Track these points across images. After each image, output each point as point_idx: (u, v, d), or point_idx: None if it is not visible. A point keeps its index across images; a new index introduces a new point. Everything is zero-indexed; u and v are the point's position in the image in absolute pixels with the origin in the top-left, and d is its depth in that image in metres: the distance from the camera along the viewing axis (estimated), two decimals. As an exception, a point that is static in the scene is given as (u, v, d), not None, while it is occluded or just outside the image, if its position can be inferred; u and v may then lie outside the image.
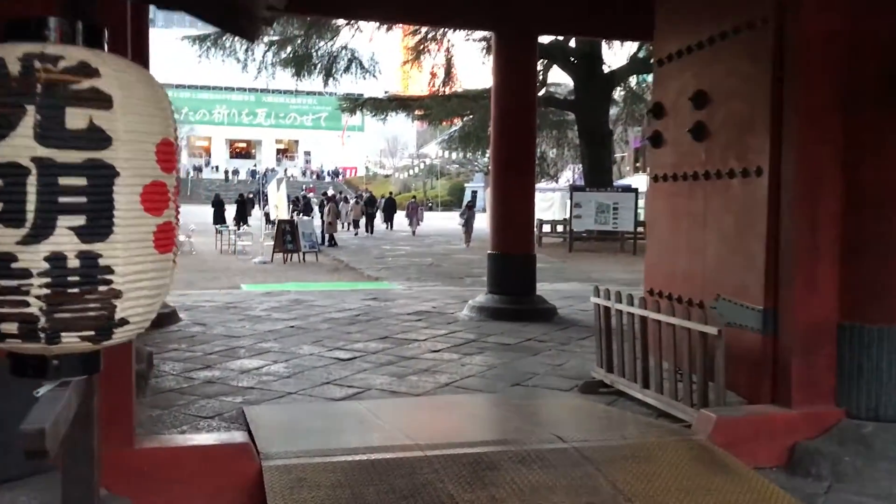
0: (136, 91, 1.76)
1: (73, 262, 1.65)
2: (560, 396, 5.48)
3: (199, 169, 78.20)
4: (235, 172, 75.59)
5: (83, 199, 1.65)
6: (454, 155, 54.39)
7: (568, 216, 24.60)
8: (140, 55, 4.28)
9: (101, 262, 1.68)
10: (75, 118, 1.64)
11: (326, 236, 24.04)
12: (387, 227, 35.02)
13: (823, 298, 4.17)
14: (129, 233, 1.73)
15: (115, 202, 1.69)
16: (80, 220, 1.65)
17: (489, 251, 9.55)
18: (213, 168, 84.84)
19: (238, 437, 3.50)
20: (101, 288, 1.69)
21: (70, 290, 1.65)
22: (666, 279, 5.47)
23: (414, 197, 35.81)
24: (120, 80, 1.71)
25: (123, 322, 1.76)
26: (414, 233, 30.31)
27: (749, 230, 4.48)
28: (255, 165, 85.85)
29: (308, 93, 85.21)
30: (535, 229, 18.71)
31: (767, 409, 4.24)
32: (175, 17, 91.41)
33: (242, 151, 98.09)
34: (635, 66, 25.00)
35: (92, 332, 1.71)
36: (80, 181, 1.65)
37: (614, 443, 3.88)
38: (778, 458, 4.12)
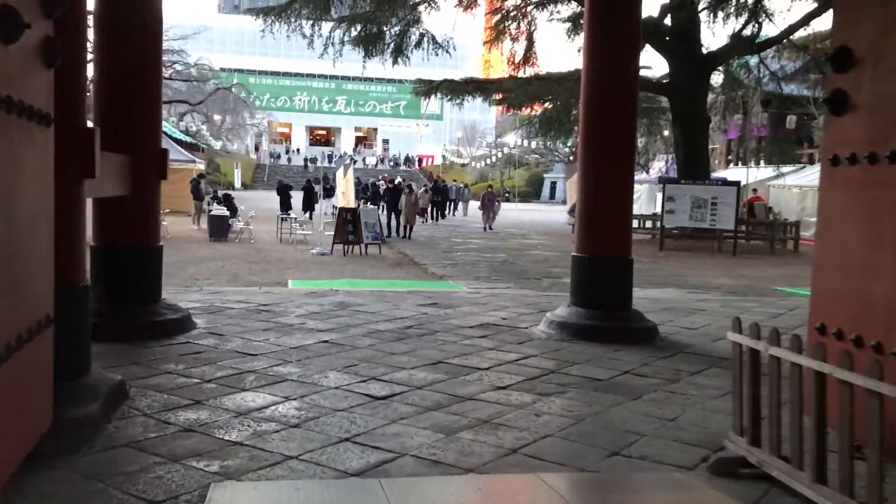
0: None
1: None
2: (684, 486, 3.66)
3: (276, 156, 78.28)
4: (313, 160, 75.38)
5: None
6: (533, 144, 52.34)
7: (657, 210, 22.44)
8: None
9: None
10: None
11: (397, 227, 22.40)
12: (439, 217, 32.41)
13: None
14: None
15: None
16: None
17: (573, 252, 7.73)
18: (295, 150, 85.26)
19: None
20: None
21: None
22: (852, 313, 3.60)
23: (490, 186, 33.09)
24: None
25: None
26: (487, 228, 26.82)
27: None
28: (332, 152, 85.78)
29: (388, 80, 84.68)
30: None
31: None
32: (259, 3, 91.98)
33: (322, 139, 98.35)
34: (738, 46, 22.59)
35: None
36: None
37: None
38: None
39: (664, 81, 23.62)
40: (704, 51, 22.67)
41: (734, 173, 31.85)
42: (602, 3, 7.38)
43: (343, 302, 8.83)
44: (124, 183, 6.22)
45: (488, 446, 4.09)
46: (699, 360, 6.54)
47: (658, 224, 21.46)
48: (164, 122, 34.78)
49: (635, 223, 24.60)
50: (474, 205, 36.37)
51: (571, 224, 22.47)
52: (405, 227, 22.06)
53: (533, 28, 23.57)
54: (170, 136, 34.92)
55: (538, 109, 29.34)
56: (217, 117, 54.52)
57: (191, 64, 39.55)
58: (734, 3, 21.78)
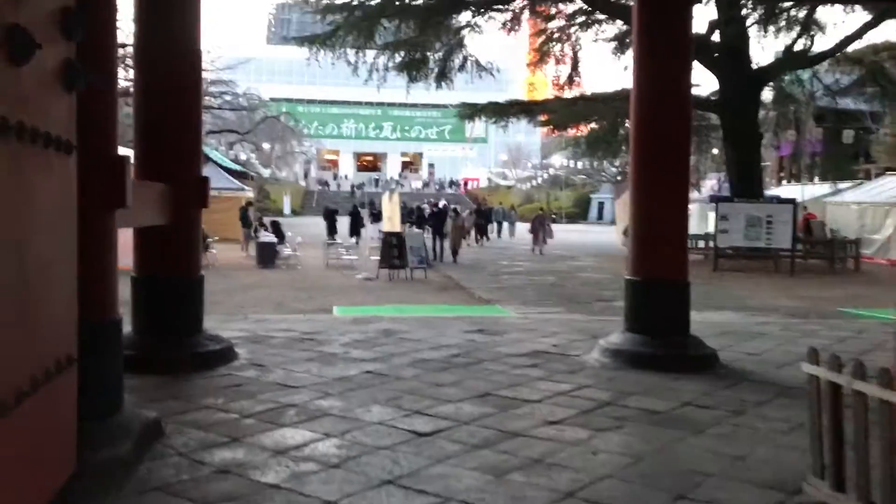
0: None
1: None
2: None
3: (324, 183, 79.20)
4: (360, 186, 76.07)
5: None
6: (580, 164, 51.88)
7: (709, 229, 21.83)
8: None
9: None
10: None
11: (441, 250, 22.13)
12: (482, 239, 31.58)
13: None
14: None
15: None
16: None
17: (627, 276, 7.39)
18: (344, 176, 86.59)
19: None
20: None
21: None
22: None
23: (541, 209, 31.83)
24: None
25: None
26: (538, 251, 25.29)
27: None
28: (379, 177, 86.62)
29: (433, 106, 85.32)
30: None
31: None
32: (307, 31, 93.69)
33: (369, 165, 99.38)
34: (790, 61, 22.00)
35: None
36: None
37: None
38: None
39: (713, 98, 23.11)
40: (755, 66, 22.12)
41: (788, 190, 30.98)
42: (651, 15, 7.10)
43: (388, 329, 8.61)
44: (164, 212, 6.11)
45: (541, 489, 3.79)
46: (764, 389, 6.13)
47: (711, 244, 20.86)
48: (213, 151, 35.25)
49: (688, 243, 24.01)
50: (522, 227, 35.79)
51: (626, 246, 21.99)
52: (451, 251, 21.79)
53: (578, 48, 23.36)
54: (219, 165, 35.43)
55: (584, 130, 29.00)
56: (266, 146, 55.31)
57: (239, 94, 40.18)
58: (785, 17, 21.27)
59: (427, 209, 33.86)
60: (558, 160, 57.76)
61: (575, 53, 23.96)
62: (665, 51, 6.98)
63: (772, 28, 20.90)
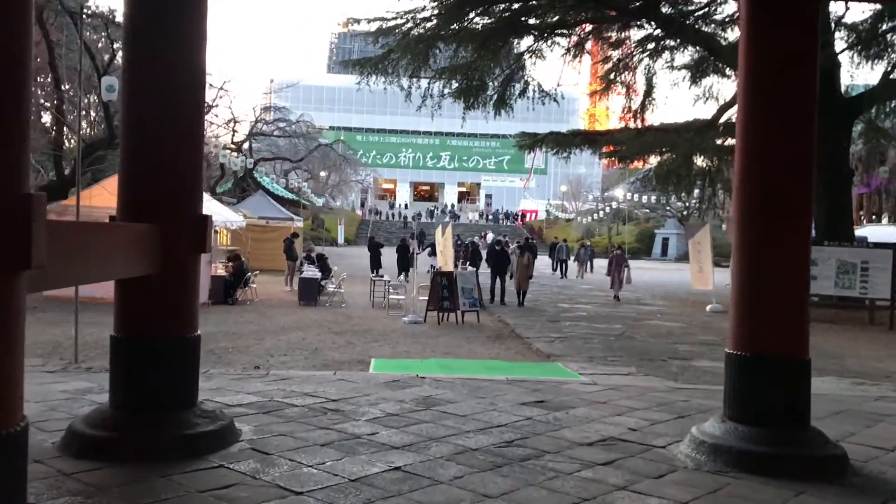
0: None
1: None
2: None
3: (376, 212, 78.71)
4: (417, 216, 75.28)
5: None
6: (644, 198, 49.92)
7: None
8: None
9: None
10: None
11: (502, 293, 20.10)
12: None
13: None
14: None
15: None
16: None
17: (728, 349, 5.84)
18: (403, 205, 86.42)
19: None
20: None
21: None
22: None
23: (619, 247, 28.46)
24: None
25: None
26: (617, 297, 22.29)
27: None
28: (434, 207, 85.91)
29: (491, 136, 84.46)
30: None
31: None
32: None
33: (426, 194, 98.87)
34: (886, 90, 20.04)
35: None
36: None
37: None
38: None
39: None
40: (846, 95, 20.27)
41: (873, 231, 28.72)
42: (766, 14, 5.63)
43: (428, 397, 7.21)
44: (146, 260, 4.89)
45: None
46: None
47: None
48: (263, 178, 34.46)
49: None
50: (598, 264, 33.56)
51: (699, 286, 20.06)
52: (517, 293, 19.74)
53: (652, 73, 21.85)
54: (270, 193, 34.82)
55: (650, 162, 27.32)
56: (323, 174, 54.77)
57: (293, 121, 39.60)
58: (879, 44, 19.43)
59: (479, 243, 32.46)
60: (621, 193, 55.80)
61: (649, 81, 22.44)
62: (784, 62, 5.50)
63: (866, 55, 19.06)
